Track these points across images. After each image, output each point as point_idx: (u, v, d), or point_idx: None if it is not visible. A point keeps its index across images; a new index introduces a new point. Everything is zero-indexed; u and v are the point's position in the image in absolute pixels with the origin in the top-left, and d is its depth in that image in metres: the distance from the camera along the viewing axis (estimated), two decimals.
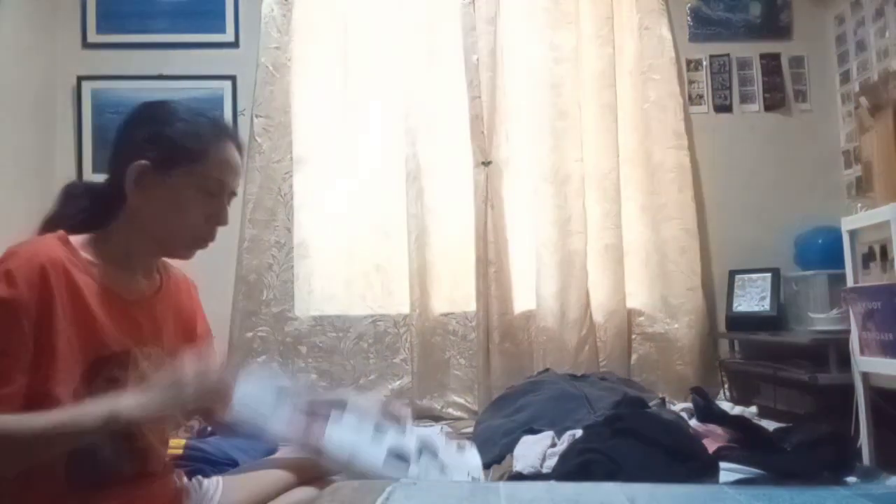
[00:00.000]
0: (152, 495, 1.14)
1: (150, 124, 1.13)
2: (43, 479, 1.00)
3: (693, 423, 1.72)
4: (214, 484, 1.30)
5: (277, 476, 1.33)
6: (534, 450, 1.64)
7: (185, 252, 1.17)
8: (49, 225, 1.13)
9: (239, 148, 1.19)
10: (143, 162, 1.08)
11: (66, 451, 0.99)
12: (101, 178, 1.20)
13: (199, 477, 1.31)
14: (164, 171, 1.10)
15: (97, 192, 1.16)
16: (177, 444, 1.68)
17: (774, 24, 3.14)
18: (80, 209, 1.14)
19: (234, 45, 3.05)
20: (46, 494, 1.00)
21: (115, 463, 1.07)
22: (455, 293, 2.96)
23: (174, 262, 1.27)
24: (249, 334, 2.88)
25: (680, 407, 2.00)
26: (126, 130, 1.15)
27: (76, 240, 1.08)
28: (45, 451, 0.96)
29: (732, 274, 2.96)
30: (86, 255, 1.07)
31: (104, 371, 1.04)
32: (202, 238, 1.16)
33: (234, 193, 1.19)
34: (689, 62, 3.11)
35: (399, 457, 1.20)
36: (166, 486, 1.20)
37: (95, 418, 0.96)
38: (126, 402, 0.99)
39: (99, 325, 1.04)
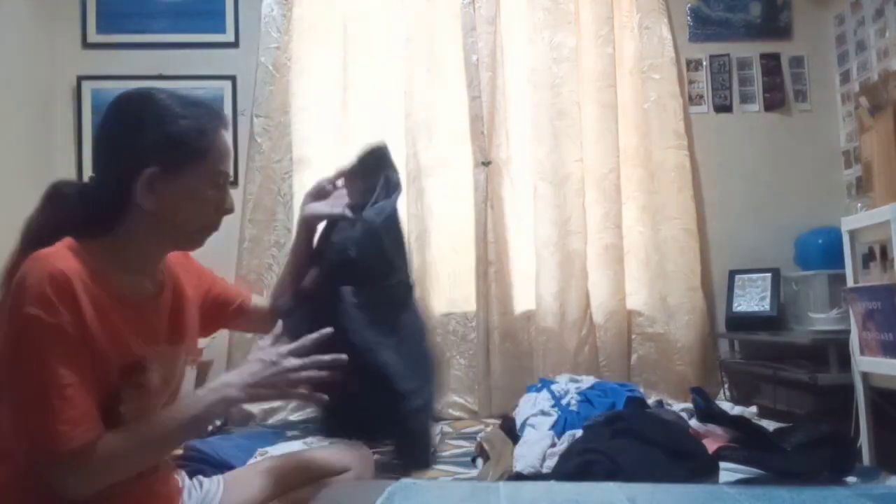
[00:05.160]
0: (152, 490, 1.14)
1: (149, 126, 1.08)
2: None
3: (693, 423, 1.72)
4: (216, 484, 1.30)
5: (278, 475, 1.33)
6: (534, 450, 1.63)
7: (198, 244, 1.19)
8: (38, 228, 1.10)
9: (230, 131, 1.19)
10: (154, 169, 1.06)
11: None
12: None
13: (200, 477, 1.31)
14: (174, 173, 1.08)
15: (94, 197, 1.11)
16: None
17: (774, 24, 3.14)
18: (75, 213, 1.10)
19: (234, 45, 3.05)
20: (49, 492, 1.00)
21: None
22: (455, 293, 2.96)
23: None
24: (249, 335, 2.87)
25: (680, 407, 2.00)
26: (120, 132, 1.10)
27: (83, 247, 1.05)
28: (168, 451, 1.11)
29: (732, 274, 2.96)
30: (95, 263, 1.04)
31: (132, 377, 1.05)
32: (212, 227, 1.17)
33: (228, 177, 1.18)
34: (689, 62, 3.11)
35: None
36: (167, 479, 1.20)
37: (208, 407, 1.07)
38: (230, 379, 1.10)
39: (121, 334, 1.04)
